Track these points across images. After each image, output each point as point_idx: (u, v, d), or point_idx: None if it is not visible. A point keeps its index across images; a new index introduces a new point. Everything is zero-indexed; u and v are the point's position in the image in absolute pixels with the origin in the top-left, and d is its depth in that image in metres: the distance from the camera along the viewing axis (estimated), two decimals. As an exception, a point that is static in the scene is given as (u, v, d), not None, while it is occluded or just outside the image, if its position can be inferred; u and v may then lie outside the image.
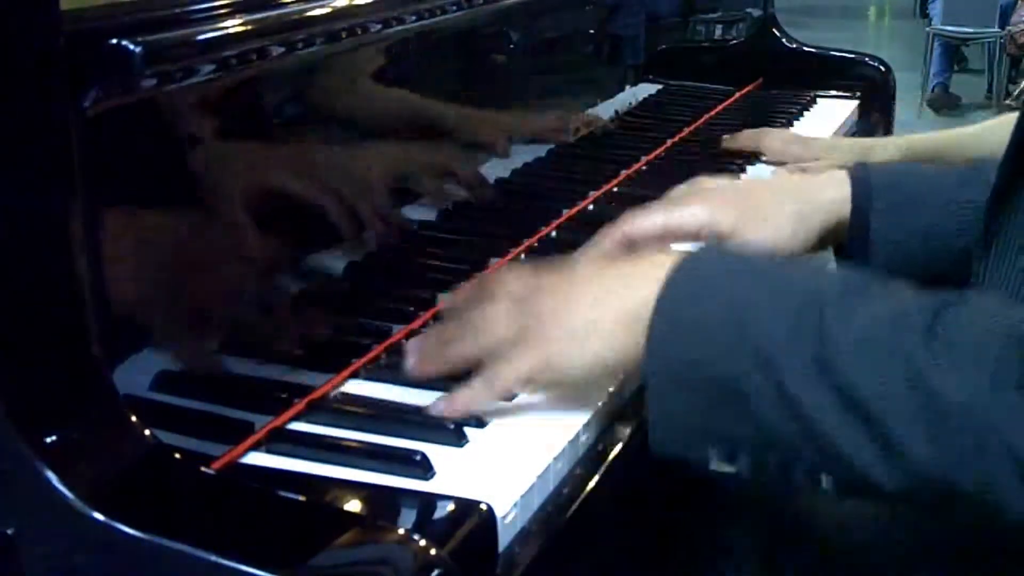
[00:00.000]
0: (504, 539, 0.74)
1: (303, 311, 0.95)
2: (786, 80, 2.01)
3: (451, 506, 0.74)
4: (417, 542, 0.67)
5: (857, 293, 0.77)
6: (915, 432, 0.70)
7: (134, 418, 0.72)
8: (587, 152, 1.49)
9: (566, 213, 1.32)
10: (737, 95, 1.95)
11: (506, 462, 0.81)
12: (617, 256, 1.03)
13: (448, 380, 0.89)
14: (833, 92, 1.96)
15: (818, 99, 1.95)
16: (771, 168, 1.54)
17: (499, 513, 0.73)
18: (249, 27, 0.85)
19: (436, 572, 0.66)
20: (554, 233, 1.28)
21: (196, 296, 0.85)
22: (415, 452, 0.80)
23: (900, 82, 2.03)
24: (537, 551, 0.76)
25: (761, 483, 1.06)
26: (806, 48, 2.07)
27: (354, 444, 0.83)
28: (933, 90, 6.89)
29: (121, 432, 0.72)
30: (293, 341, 0.93)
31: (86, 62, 0.71)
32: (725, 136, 1.63)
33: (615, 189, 1.45)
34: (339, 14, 0.95)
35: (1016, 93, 6.65)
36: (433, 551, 0.66)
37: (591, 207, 1.37)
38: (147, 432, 0.72)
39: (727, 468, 0.79)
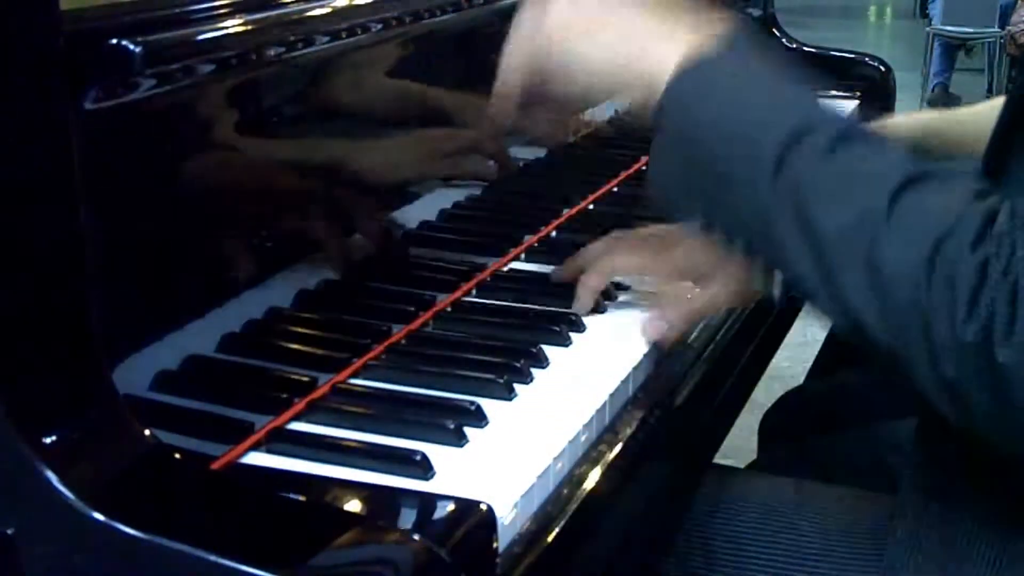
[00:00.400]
0: (504, 539, 0.74)
1: (303, 311, 0.95)
2: (786, 80, 2.00)
3: (451, 506, 0.73)
4: (417, 542, 0.67)
5: (847, 138, 0.82)
6: (856, 280, 0.74)
7: (134, 418, 0.72)
8: (587, 152, 1.49)
9: (566, 213, 1.32)
10: (737, 95, 1.94)
11: (506, 462, 0.81)
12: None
13: (452, 378, 0.91)
14: (833, 92, 1.95)
15: (818, 99, 1.94)
16: None
17: (499, 513, 0.73)
18: (249, 27, 0.85)
19: (436, 572, 0.66)
20: (554, 233, 1.28)
21: (196, 296, 0.85)
22: (415, 452, 0.80)
23: (900, 82, 2.03)
24: (537, 551, 0.76)
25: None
26: (806, 48, 2.06)
27: (354, 444, 0.83)
28: (933, 90, 6.90)
29: (121, 432, 0.72)
30: (293, 341, 0.93)
31: (86, 62, 0.71)
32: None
33: (615, 189, 1.44)
34: (339, 14, 0.95)
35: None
36: (433, 551, 0.66)
37: (591, 207, 1.37)
38: (147, 432, 0.72)
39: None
